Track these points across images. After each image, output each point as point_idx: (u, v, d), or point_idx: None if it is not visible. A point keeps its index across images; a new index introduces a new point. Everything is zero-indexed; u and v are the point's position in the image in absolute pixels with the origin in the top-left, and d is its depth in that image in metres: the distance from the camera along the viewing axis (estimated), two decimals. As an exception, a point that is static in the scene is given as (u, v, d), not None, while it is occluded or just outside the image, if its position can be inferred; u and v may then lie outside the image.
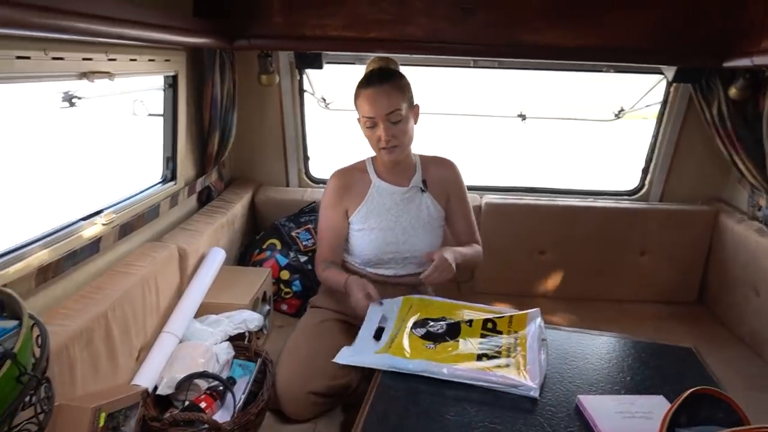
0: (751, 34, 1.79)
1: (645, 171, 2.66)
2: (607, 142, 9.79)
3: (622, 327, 2.11)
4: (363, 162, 1.89)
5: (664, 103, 2.49)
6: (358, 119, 1.78)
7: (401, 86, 1.72)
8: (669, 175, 2.59)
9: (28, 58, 1.19)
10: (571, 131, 10.42)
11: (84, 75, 1.41)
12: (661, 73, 2.35)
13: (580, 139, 10.20)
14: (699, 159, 2.52)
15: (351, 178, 1.85)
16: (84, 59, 1.39)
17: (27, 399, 0.75)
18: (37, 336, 0.83)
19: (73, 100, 1.90)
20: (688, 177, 2.57)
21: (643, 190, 2.65)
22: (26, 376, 0.72)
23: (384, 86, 1.69)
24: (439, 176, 1.88)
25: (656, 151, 2.58)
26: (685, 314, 2.44)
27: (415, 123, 1.79)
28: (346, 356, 1.46)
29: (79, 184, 5.73)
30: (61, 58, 1.29)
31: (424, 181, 1.85)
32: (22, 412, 0.79)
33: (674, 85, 2.40)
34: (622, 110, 2.77)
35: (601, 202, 2.58)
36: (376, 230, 1.82)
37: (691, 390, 1.02)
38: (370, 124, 1.70)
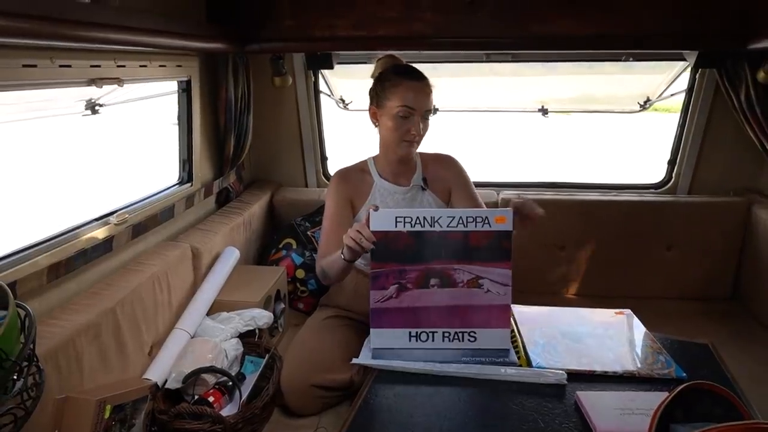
0: (775, 12, 1.70)
1: (672, 163, 2.55)
2: (635, 139, 9.44)
3: (647, 325, 2.03)
4: (364, 162, 1.89)
5: (690, 90, 2.39)
6: (376, 111, 1.75)
7: (431, 87, 1.74)
8: (697, 166, 2.48)
9: (35, 66, 1.25)
10: (597, 127, 10.12)
11: (92, 81, 1.47)
12: (684, 59, 2.25)
13: (607, 135, 9.89)
14: (729, 148, 2.41)
15: (353, 177, 1.85)
16: (92, 66, 1.45)
17: (11, 384, 0.79)
18: (28, 326, 0.87)
19: (96, 108, 2.00)
20: (717, 167, 2.46)
21: (670, 183, 2.55)
22: (8, 362, 0.76)
23: (425, 82, 1.72)
24: (440, 172, 1.87)
25: (683, 141, 2.47)
26: (718, 311, 2.32)
27: None
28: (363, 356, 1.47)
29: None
30: (68, 66, 1.36)
31: (424, 179, 1.84)
32: (11, 398, 0.83)
33: (699, 71, 2.31)
34: (648, 100, 2.67)
35: (624, 196, 2.49)
36: None
37: (684, 385, 0.98)
38: (405, 114, 1.68)
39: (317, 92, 2.62)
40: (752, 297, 2.31)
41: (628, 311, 1.66)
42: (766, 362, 1.91)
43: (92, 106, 1.90)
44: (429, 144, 1.90)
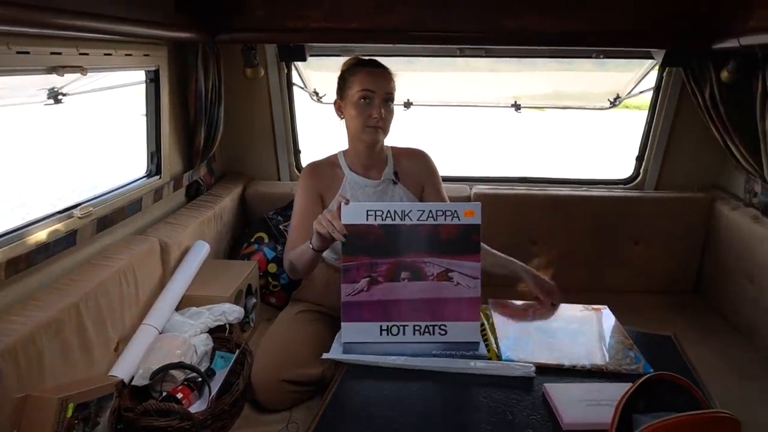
0: (738, 13, 1.74)
1: (639, 159, 2.61)
2: (605, 135, 9.66)
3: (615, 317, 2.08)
4: (335, 156, 1.88)
5: (657, 88, 2.44)
6: (340, 103, 1.78)
7: (393, 75, 1.76)
8: (664, 163, 2.54)
9: (-10, 52, 1.20)
10: (569, 123, 10.31)
11: (53, 69, 1.42)
12: (652, 57, 2.30)
13: (580, 131, 10.08)
14: (695, 146, 2.47)
15: (323, 171, 1.84)
16: (52, 53, 1.39)
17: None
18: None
19: (59, 97, 1.92)
20: (683, 164, 2.52)
21: (638, 179, 2.61)
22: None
23: (385, 69, 1.75)
24: (412, 167, 1.88)
25: (651, 138, 2.53)
26: (682, 304, 2.38)
27: None
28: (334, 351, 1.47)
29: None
30: (26, 52, 1.30)
31: (395, 173, 1.84)
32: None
33: (666, 69, 2.36)
34: (618, 97, 2.72)
35: (594, 192, 2.54)
36: None
37: (646, 376, 1.00)
38: (365, 96, 1.69)
39: (290, 84, 2.59)
40: (714, 290, 2.38)
41: (605, 307, 1.69)
42: (725, 353, 1.97)
43: (55, 96, 1.83)
44: (403, 136, 1.90)
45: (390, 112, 1.75)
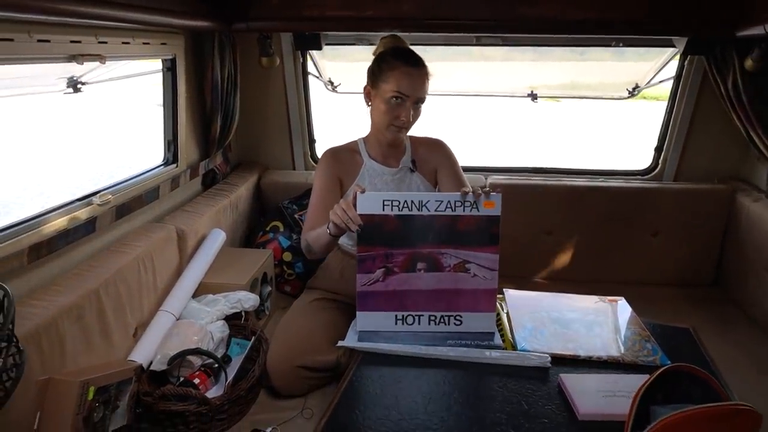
0: (764, -1, 1.70)
1: (658, 150, 2.56)
2: (622, 126, 9.51)
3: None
4: (355, 142, 1.88)
5: (678, 77, 2.39)
6: (371, 91, 1.74)
7: (429, 75, 1.73)
8: (684, 154, 2.49)
9: (11, 40, 1.22)
10: (586, 114, 10.17)
11: (73, 57, 1.43)
12: (674, 45, 2.25)
13: (596, 122, 9.94)
14: (716, 136, 2.42)
15: (343, 156, 1.85)
16: (72, 42, 1.41)
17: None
18: (6, 306, 0.85)
19: (78, 86, 1.94)
20: (704, 155, 2.47)
21: (657, 170, 2.57)
22: (-15, 342, 0.75)
23: (423, 70, 1.70)
24: (428, 155, 1.87)
25: (670, 128, 2.48)
26: (701, 297, 2.35)
27: None
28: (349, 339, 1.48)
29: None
30: (47, 41, 1.32)
31: (413, 161, 1.84)
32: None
33: (688, 58, 2.31)
34: (636, 87, 2.67)
35: (611, 183, 2.51)
36: None
37: (665, 367, 0.99)
38: (398, 100, 1.67)
39: (305, 73, 2.58)
40: (733, 283, 2.35)
41: (622, 299, 1.67)
42: (744, 346, 1.95)
43: (74, 84, 1.85)
44: (418, 127, 1.89)
45: (418, 114, 1.73)
